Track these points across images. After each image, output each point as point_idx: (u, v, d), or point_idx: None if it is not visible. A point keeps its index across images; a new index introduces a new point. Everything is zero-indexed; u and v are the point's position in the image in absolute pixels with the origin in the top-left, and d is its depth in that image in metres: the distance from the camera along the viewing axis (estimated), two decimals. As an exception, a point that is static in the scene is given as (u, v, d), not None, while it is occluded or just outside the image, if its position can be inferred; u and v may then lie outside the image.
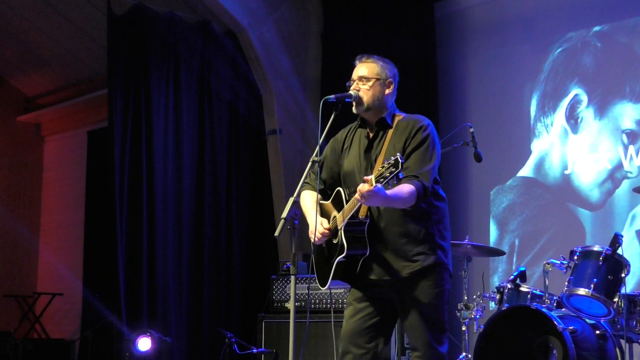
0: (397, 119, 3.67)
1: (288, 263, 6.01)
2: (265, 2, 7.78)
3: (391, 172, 3.17)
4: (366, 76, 3.63)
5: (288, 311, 6.11)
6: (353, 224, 3.48)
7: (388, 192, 3.28)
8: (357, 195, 3.28)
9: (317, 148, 3.57)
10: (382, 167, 3.21)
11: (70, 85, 9.88)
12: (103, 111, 8.47)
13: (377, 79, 3.63)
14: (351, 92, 3.63)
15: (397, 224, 3.52)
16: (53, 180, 10.71)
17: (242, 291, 7.93)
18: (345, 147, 3.76)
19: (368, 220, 3.49)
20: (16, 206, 10.51)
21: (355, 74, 3.67)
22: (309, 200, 3.72)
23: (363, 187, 3.22)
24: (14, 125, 10.63)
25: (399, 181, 3.24)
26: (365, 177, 3.25)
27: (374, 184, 3.19)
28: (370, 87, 3.62)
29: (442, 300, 3.55)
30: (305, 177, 3.64)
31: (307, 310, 6.07)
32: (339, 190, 3.64)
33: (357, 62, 3.71)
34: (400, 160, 3.16)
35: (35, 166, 10.80)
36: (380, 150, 3.59)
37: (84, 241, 9.63)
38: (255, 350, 6.22)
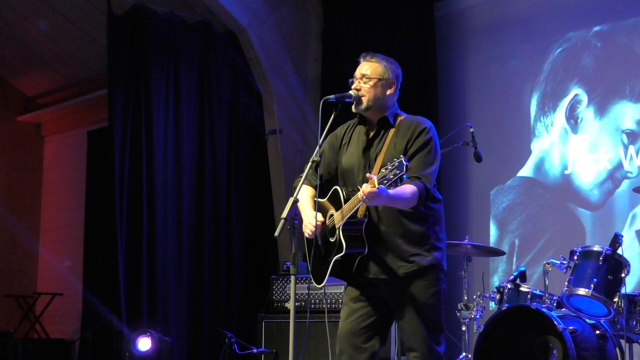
0: (399, 119, 3.67)
1: (288, 263, 6.02)
2: (265, 2, 7.78)
3: (395, 175, 3.17)
4: (369, 75, 3.63)
5: (288, 311, 6.11)
6: (351, 222, 3.48)
7: (391, 191, 3.28)
8: (359, 196, 3.27)
9: (317, 148, 3.57)
10: (386, 168, 3.21)
11: (70, 85, 9.87)
12: (103, 111, 8.46)
13: (379, 79, 3.63)
14: (351, 92, 3.63)
15: (394, 224, 3.52)
16: (53, 180, 10.71)
17: (242, 291, 7.93)
18: (343, 143, 3.75)
19: (366, 219, 3.49)
20: (16, 206, 10.51)
21: (358, 72, 3.67)
22: (304, 195, 3.71)
23: (366, 189, 3.22)
24: (14, 125, 10.63)
25: (401, 182, 3.24)
26: (369, 175, 3.25)
27: (376, 185, 3.19)
28: (372, 86, 3.62)
29: (438, 299, 3.55)
30: (305, 179, 3.63)
31: (307, 310, 6.07)
32: (336, 189, 3.63)
33: (361, 59, 3.71)
34: (405, 163, 3.16)
35: (35, 166, 10.80)
36: (381, 149, 3.59)
37: (84, 241, 9.61)
38: (255, 350, 6.22)
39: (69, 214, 10.27)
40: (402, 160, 3.17)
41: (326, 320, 5.70)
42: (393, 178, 3.17)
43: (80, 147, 10.15)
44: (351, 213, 3.43)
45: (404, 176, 3.18)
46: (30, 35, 9.09)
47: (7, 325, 9.59)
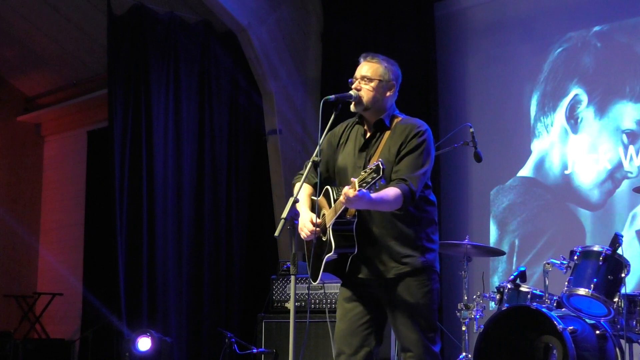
0: (395, 120, 3.66)
1: (288, 263, 6.02)
2: (265, 2, 7.78)
3: (373, 178, 3.20)
4: (369, 76, 3.62)
5: (288, 311, 6.11)
6: (341, 222, 3.49)
7: (373, 195, 3.29)
8: (341, 199, 3.30)
9: (317, 148, 3.57)
10: (365, 171, 3.23)
11: (70, 85, 9.87)
12: (103, 111, 8.47)
13: (380, 80, 3.62)
14: (351, 92, 3.63)
15: (387, 226, 3.53)
16: (53, 180, 10.71)
17: (242, 291, 7.93)
18: (341, 142, 3.76)
19: (355, 220, 3.50)
20: (16, 206, 10.51)
21: (358, 72, 3.66)
22: (302, 193, 3.70)
23: (349, 192, 3.24)
24: (14, 125, 10.63)
25: (381, 186, 3.26)
26: (352, 179, 3.26)
27: (357, 188, 3.21)
28: (372, 87, 3.62)
29: (431, 299, 3.56)
30: (306, 177, 3.64)
31: (307, 310, 6.07)
32: (327, 189, 3.62)
33: (361, 59, 3.70)
34: (381, 167, 3.18)
35: (35, 166, 10.80)
36: (375, 151, 3.59)
37: (84, 241, 9.62)
38: (255, 350, 6.22)
39: (69, 214, 10.27)
40: (379, 164, 3.20)
41: (327, 320, 5.70)
42: (371, 181, 3.20)
43: (80, 147, 10.15)
44: (339, 213, 3.44)
45: (382, 180, 3.20)
46: (30, 35, 9.09)
47: (7, 325, 9.58)
